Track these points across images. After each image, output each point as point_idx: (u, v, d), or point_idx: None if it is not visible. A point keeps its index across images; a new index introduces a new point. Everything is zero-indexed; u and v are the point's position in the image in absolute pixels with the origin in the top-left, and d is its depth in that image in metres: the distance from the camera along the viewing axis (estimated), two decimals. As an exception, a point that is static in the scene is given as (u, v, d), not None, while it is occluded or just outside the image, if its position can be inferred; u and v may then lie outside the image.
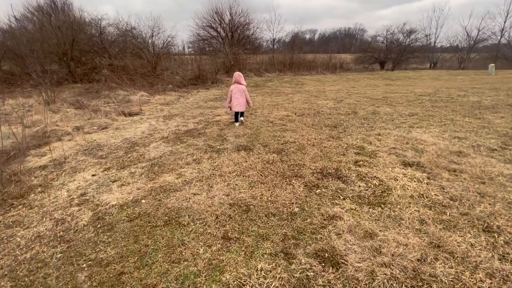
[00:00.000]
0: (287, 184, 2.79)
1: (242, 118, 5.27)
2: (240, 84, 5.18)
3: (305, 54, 26.09)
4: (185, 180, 2.99)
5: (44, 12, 13.18)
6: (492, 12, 31.19)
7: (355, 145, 3.89)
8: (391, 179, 2.79)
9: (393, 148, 3.69)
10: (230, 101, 5.16)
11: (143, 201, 2.61)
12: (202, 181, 2.95)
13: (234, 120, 5.44)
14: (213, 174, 3.10)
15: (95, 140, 4.95)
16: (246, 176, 3.00)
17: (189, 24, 34.58)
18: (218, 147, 4.07)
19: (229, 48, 17.85)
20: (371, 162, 3.24)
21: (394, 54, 27.71)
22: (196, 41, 22.89)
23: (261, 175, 3.03)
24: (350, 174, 2.96)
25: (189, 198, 2.59)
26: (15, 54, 12.70)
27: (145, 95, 9.61)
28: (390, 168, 3.05)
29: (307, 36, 48.24)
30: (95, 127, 5.96)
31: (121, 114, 7.07)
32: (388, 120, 5.30)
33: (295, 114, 6.21)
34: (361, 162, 3.24)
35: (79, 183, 3.19)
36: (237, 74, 5.24)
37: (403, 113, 5.86)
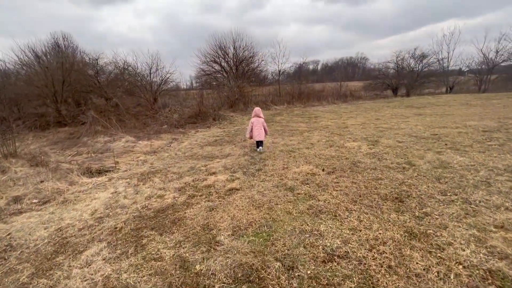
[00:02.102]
0: None
1: (261, 148, 5.89)
2: (260, 117, 5.93)
3: (313, 84, 24.99)
4: None
5: (37, 55, 12.46)
6: (507, 33, 29.86)
7: (485, 269, 1.85)
8: None
9: None
10: (251, 131, 5.89)
11: None
12: None
13: (256, 147, 6.02)
14: None
15: (9, 234, 3.08)
16: None
17: (195, 60, 35.09)
18: (197, 267, 2.10)
19: (234, 82, 16.76)
20: None
21: (407, 80, 26.30)
22: (200, 76, 22.24)
23: None
24: None
25: None
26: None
27: (131, 140, 7.98)
28: None
29: (311, 67, 48.41)
30: (35, 200, 4.16)
31: (85, 172, 5.33)
32: (482, 183, 3.27)
33: (323, 170, 4.27)
34: None
35: None
36: (257, 109, 6.06)
37: (491, 166, 3.83)
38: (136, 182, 4.55)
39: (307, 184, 3.69)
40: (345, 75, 34.17)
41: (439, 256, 1.98)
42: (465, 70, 31.22)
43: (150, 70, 13.87)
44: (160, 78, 14.48)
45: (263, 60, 21.28)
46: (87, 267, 2.26)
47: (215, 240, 2.44)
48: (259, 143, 5.90)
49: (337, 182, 3.66)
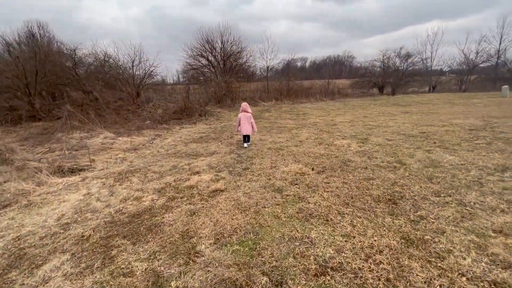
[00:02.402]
0: None
1: (249, 143, 5.90)
2: (247, 112, 5.80)
3: (301, 81, 24.93)
4: None
5: (7, 42, 11.50)
6: (487, 35, 31.56)
7: (490, 281, 1.70)
8: None
9: None
10: (239, 125, 5.77)
11: None
12: None
13: (242, 141, 5.98)
14: None
15: (-44, 245, 2.68)
16: None
17: (182, 54, 34.09)
18: (173, 283, 1.83)
19: (221, 77, 16.33)
20: None
21: (393, 78, 26.79)
22: (187, 70, 21.59)
23: None
24: None
25: None
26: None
27: (110, 136, 7.49)
28: None
29: (299, 64, 48.32)
30: (-6, 204, 3.71)
31: (56, 171, 4.87)
32: (474, 184, 3.19)
33: (312, 169, 4.09)
34: None
35: None
36: (244, 104, 5.94)
37: (481, 165, 3.78)
38: (112, 182, 4.18)
39: (296, 184, 3.48)
40: (332, 72, 34.33)
41: (439, 266, 1.82)
42: (447, 70, 32.38)
43: (133, 63, 13.21)
44: (144, 71, 13.83)
45: (251, 56, 20.94)
46: (43, 286, 1.94)
47: (194, 250, 2.18)
48: (246, 138, 5.84)
49: (328, 183, 3.48)
